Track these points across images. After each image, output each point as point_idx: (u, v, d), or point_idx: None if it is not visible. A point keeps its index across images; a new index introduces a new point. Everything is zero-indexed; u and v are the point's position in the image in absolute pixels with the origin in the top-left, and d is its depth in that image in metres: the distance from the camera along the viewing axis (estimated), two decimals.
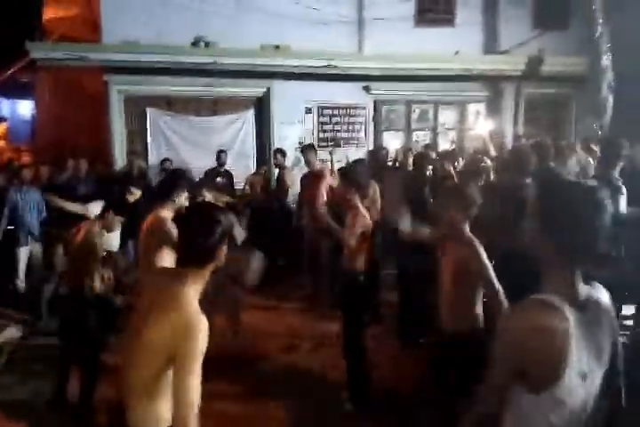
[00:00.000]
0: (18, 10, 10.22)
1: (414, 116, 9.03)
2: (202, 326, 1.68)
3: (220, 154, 7.24)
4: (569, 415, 1.26)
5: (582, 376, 1.26)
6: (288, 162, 7.24)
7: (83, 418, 3.39)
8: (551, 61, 8.42)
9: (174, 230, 2.19)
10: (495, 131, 7.10)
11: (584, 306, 1.31)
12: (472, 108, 9.13)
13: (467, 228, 2.78)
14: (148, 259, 3.07)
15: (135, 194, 5.11)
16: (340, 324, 3.77)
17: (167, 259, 2.97)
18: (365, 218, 3.61)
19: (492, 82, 8.86)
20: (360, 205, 3.67)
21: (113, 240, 4.60)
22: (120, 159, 7.58)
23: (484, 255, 2.61)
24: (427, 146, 7.40)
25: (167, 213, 3.21)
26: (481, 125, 6.12)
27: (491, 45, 8.91)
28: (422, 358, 3.78)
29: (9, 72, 10.04)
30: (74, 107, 9.67)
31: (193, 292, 1.77)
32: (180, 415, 1.59)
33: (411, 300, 4.74)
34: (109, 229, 3.87)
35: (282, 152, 7.01)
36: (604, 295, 1.41)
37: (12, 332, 5.00)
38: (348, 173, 3.74)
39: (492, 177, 4.79)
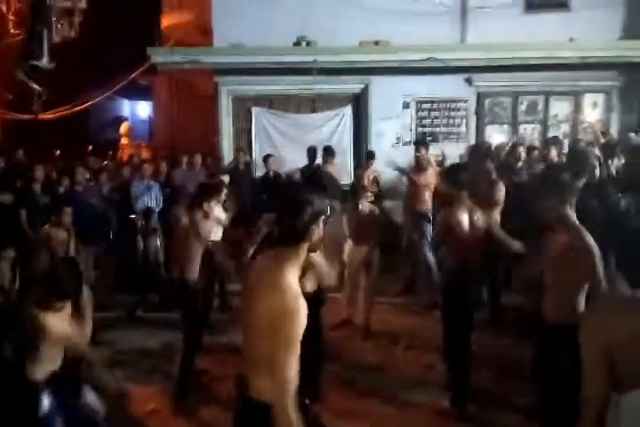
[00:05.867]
0: (139, 19, 11.19)
1: (522, 107, 8.55)
2: (299, 307, 1.74)
3: (310, 151, 7.27)
4: None
5: None
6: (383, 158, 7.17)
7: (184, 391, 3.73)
8: None
9: None
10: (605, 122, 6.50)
11: None
12: (589, 98, 8.45)
13: (572, 214, 2.73)
14: None
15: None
16: (437, 323, 3.73)
17: None
18: (456, 215, 3.57)
19: (614, 69, 8.10)
20: (462, 202, 3.62)
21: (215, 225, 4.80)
22: (227, 155, 8.07)
23: (591, 241, 2.60)
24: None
25: None
26: (596, 116, 5.66)
27: (612, 30, 8.13)
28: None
29: (131, 76, 11.01)
30: (187, 107, 10.45)
31: (289, 271, 1.83)
32: (276, 390, 1.71)
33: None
34: (207, 216, 4.03)
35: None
36: None
37: None
38: (450, 175, 3.82)
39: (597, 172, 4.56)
